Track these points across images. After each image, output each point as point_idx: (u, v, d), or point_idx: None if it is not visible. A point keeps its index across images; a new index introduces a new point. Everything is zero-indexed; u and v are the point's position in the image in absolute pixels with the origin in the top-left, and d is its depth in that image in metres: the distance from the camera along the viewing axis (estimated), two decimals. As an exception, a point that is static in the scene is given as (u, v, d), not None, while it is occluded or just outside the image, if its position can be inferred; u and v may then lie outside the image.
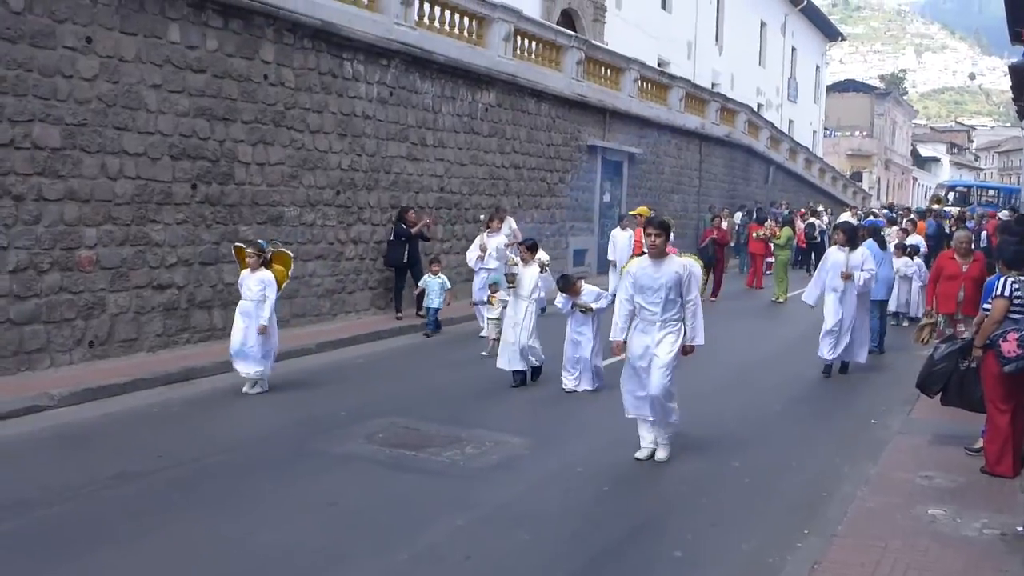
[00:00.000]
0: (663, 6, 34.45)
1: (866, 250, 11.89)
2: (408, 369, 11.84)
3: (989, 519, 6.29)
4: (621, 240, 17.08)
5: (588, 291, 10.45)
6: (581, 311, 10.29)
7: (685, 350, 7.62)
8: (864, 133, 68.09)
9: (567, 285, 10.39)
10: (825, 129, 62.14)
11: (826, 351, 11.57)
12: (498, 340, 11.05)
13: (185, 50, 11.48)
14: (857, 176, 61.80)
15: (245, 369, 9.87)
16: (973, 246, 11.80)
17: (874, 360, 12.74)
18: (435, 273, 13.78)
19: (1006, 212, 27.18)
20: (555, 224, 19.78)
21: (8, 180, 9.63)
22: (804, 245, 25.42)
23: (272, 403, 9.73)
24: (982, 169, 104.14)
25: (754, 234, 21.58)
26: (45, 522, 6.15)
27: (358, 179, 14.45)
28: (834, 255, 11.79)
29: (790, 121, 48.44)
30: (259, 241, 10.35)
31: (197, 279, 11.83)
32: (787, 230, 20.54)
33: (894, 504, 6.62)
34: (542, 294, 10.85)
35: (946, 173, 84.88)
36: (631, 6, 30.71)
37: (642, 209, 14.52)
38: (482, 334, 12.79)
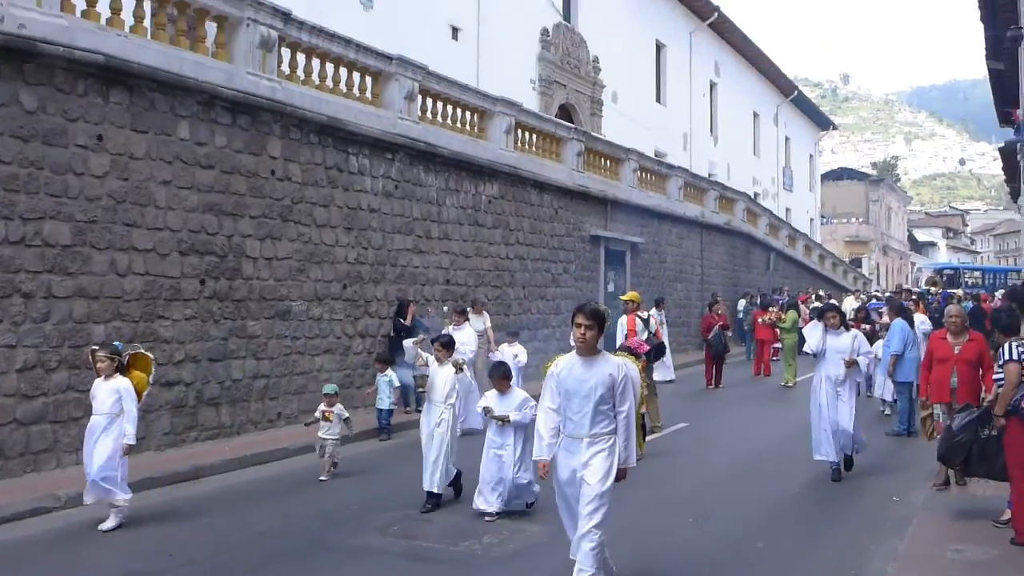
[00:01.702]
0: (658, 99, 35.20)
1: (858, 332, 10.81)
2: (420, 462, 11.63)
3: (1028, 593, 6.09)
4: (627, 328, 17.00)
5: (514, 395, 8.91)
6: (496, 422, 8.71)
7: (618, 476, 6.03)
8: (860, 220, 68.78)
9: (496, 374, 9.06)
10: (822, 217, 62.80)
11: (820, 449, 10.38)
12: (333, 466, 10.24)
13: (194, 146, 11.64)
14: (856, 262, 62.17)
15: (99, 498, 8.26)
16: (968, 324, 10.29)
17: (893, 442, 12.59)
18: (382, 370, 12.68)
19: (1002, 291, 27.19)
20: (560, 315, 19.74)
21: (18, 278, 9.64)
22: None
23: (282, 499, 9.54)
24: (979, 252, 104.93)
25: (760, 319, 21.52)
26: None
27: (364, 272, 14.48)
28: (829, 340, 10.42)
29: (787, 209, 48.96)
30: (114, 343, 8.82)
31: (205, 375, 11.73)
32: (792, 313, 20.53)
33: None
34: (457, 401, 9.15)
35: (943, 257, 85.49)
36: (627, 100, 31.37)
37: (632, 294, 14.43)
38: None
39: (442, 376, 9.04)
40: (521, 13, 25.26)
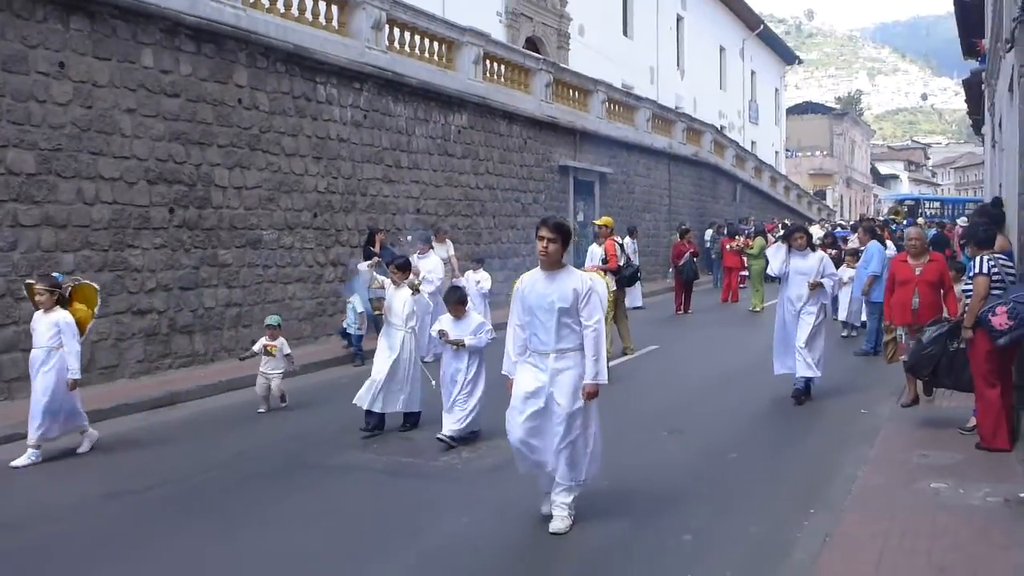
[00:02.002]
0: (625, 33, 34.95)
1: (824, 255, 10.47)
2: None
3: (991, 489, 6.32)
4: (597, 255, 17.12)
5: (470, 320, 8.58)
6: (452, 347, 8.39)
7: (588, 391, 5.80)
8: (824, 153, 69.24)
9: (452, 299, 8.71)
10: (787, 150, 63.09)
11: (780, 366, 10.34)
12: (266, 398, 9.78)
13: (159, 74, 11.45)
14: (820, 194, 62.70)
15: (44, 433, 7.86)
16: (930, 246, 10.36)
17: (860, 361, 12.86)
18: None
19: (963, 219, 27.59)
20: (530, 244, 19.73)
21: (-16, 206, 9.50)
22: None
23: (261, 422, 9.60)
24: (940, 184, 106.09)
25: (728, 246, 21.76)
26: (42, 540, 6.01)
27: (335, 201, 14.41)
28: (794, 261, 10.16)
29: (752, 142, 49.11)
30: (53, 274, 8.32)
31: (177, 304, 11.70)
32: (760, 240, 20.73)
33: (896, 481, 6.64)
34: (414, 322, 8.88)
35: (906, 189, 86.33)
36: (593, 33, 31.11)
37: (606, 219, 14.44)
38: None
39: (399, 299, 8.76)
40: (486, -57, 24.85)
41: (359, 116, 14.94)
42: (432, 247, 13.81)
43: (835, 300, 14.78)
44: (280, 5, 13.74)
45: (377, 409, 8.62)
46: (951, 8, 24.74)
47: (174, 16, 11.53)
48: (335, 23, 14.79)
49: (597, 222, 14.42)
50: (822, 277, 10.02)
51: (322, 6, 14.62)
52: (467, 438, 8.28)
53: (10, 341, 9.76)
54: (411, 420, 8.89)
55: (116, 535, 6.10)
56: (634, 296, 19.06)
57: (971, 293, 7.49)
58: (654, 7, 36.98)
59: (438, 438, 8.14)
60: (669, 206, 28.82)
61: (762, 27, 50.13)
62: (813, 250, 10.38)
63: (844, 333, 15.14)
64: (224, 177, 12.39)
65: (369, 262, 9.32)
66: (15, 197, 9.81)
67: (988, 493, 6.23)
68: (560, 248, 5.76)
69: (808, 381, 10.07)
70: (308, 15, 14.28)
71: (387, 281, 8.86)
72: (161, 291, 11.51)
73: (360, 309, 12.16)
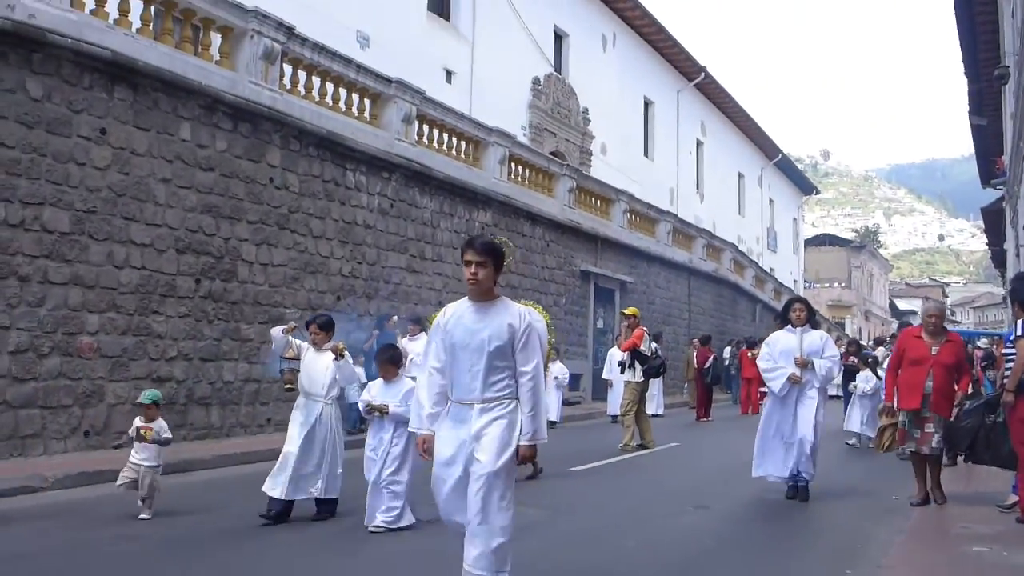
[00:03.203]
0: (646, 154, 35.70)
1: (826, 334, 9.21)
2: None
3: (1038, 553, 6.05)
4: (616, 358, 17.06)
5: (401, 384, 7.24)
6: (377, 414, 7.12)
7: (523, 454, 4.69)
8: (842, 284, 69.37)
9: (383, 358, 7.39)
10: (805, 281, 63.31)
11: (760, 464, 8.93)
12: (133, 485, 7.45)
13: (195, 148, 11.72)
14: (840, 325, 62.51)
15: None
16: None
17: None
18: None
19: (984, 340, 27.29)
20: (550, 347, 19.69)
21: (15, 260, 9.60)
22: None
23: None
24: (958, 322, 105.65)
25: (749, 353, 21.59)
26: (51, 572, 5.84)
27: (358, 286, 14.49)
28: (784, 338, 8.94)
29: (771, 269, 49.36)
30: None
31: (197, 374, 11.63)
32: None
33: (936, 546, 6.42)
34: (337, 391, 7.61)
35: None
36: (615, 152, 31.79)
37: (633, 309, 14.40)
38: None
39: (321, 364, 7.42)
40: (513, 61, 25.70)
41: (386, 204, 15.17)
42: (423, 329, 12.95)
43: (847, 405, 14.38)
44: (315, 93, 14.17)
45: (279, 496, 7.18)
46: (965, 151, 25.37)
47: (214, 93, 11.89)
48: (367, 114, 15.21)
49: (625, 311, 14.34)
50: (821, 356, 8.71)
51: (355, 97, 15.06)
52: (403, 529, 6.96)
53: (29, 397, 9.69)
54: (327, 508, 7.47)
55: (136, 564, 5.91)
56: (656, 404, 18.91)
57: (1013, 357, 7.27)
58: (674, 131, 37.86)
59: (369, 531, 6.91)
60: (689, 321, 28.78)
61: (780, 156, 51.07)
62: (815, 327, 9.08)
63: (851, 442, 14.02)
64: (251, 253, 12.51)
65: (285, 326, 7.69)
66: (47, 254, 9.91)
67: (1034, 555, 5.96)
68: (492, 273, 4.79)
69: (804, 486, 8.76)
70: (342, 104, 14.70)
71: (305, 345, 7.55)
72: (182, 360, 11.46)
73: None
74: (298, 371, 7.53)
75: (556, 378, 16.64)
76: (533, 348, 4.71)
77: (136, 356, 10.86)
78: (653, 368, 13.41)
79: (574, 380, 21.44)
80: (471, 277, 4.75)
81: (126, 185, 10.81)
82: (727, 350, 27.76)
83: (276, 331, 7.65)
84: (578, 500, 8.82)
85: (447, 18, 23.54)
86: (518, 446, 4.65)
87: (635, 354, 13.16)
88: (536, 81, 27.25)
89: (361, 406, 7.39)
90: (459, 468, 4.66)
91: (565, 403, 20.12)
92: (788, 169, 55.09)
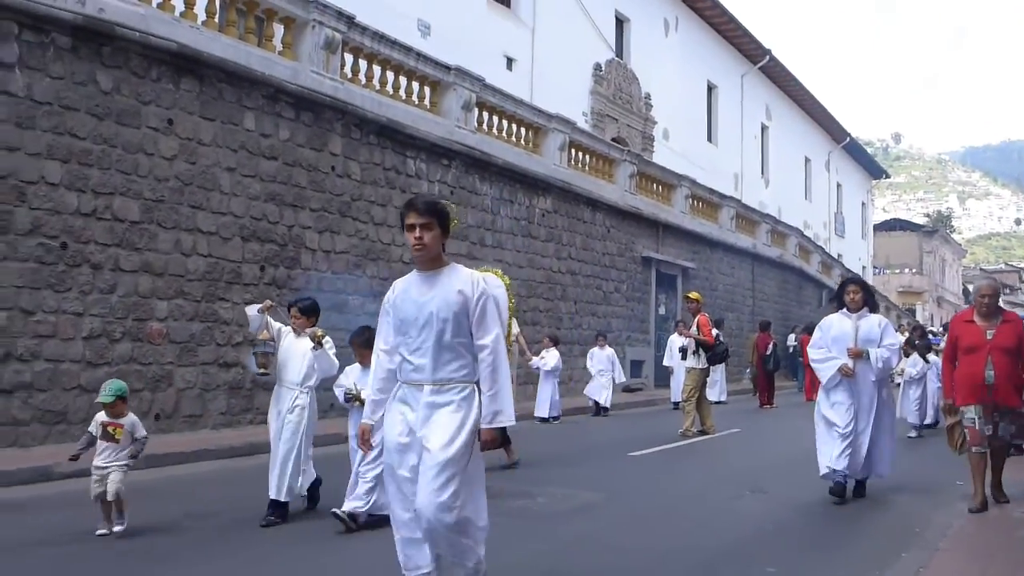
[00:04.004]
0: (709, 139, 35.33)
1: (884, 319, 8.35)
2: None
3: (1105, 539, 5.90)
4: (677, 344, 16.98)
5: None
6: (356, 403, 6.53)
7: (484, 438, 4.23)
8: (913, 270, 67.82)
9: (359, 340, 6.81)
10: (874, 267, 62.06)
11: (833, 457, 7.82)
12: (106, 511, 6.27)
13: (259, 137, 11.96)
14: (911, 311, 61.16)
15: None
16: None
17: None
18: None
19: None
20: (612, 333, 19.69)
21: (88, 249, 9.92)
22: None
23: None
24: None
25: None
26: (120, 547, 6.06)
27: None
28: (839, 323, 8.13)
29: (839, 255, 48.45)
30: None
31: (262, 359, 11.87)
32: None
33: (995, 529, 6.28)
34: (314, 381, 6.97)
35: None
36: (678, 138, 31.51)
37: (696, 294, 14.27)
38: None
39: (298, 351, 6.90)
40: (574, 47, 25.62)
41: (446, 191, 15.29)
42: None
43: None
44: (376, 82, 14.33)
45: (274, 496, 6.70)
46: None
47: (277, 83, 12.11)
48: (427, 102, 15.33)
49: (689, 295, 14.22)
50: (879, 345, 7.93)
51: (415, 85, 15.19)
52: (372, 523, 6.38)
53: (102, 381, 9.97)
54: (314, 497, 7.13)
55: (206, 543, 6.11)
56: (719, 391, 18.79)
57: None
58: (739, 116, 37.38)
59: (333, 512, 6.44)
60: (752, 307, 28.45)
61: (848, 139, 50.08)
62: (872, 310, 8.21)
63: (911, 434, 13.19)
64: (314, 240, 12.73)
65: (261, 304, 6.95)
66: (118, 242, 10.22)
67: (1100, 542, 5.82)
68: (439, 236, 4.25)
69: (863, 480, 8.14)
70: (402, 93, 14.84)
71: (284, 329, 7.00)
72: (248, 345, 11.69)
73: None
74: (273, 354, 6.86)
75: (552, 368, 14.66)
76: (490, 318, 4.22)
77: (204, 342, 11.14)
78: (717, 354, 13.35)
79: (636, 367, 21.39)
80: (416, 242, 4.20)
81: (193, 174, 11.08)
82: (791, 336, 27.39)
83: (251, 309, 6.91)
84: (634, 484, 8.84)
85: (507, 5, 23.57)
86: (479, 430, 4.18)
87: (697, 341, 13.11)
88: (597, 67, 27.13)
89: (338, 392, 6.84)
90: (413, 456, 4.18)
91: (627, 389, 20.13)
92: (857, 153, 54.01)
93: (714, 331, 13.83)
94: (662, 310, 22.68)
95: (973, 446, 7.18)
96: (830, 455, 7.82)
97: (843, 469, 7.75)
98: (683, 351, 14.02)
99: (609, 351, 16.67)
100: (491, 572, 5.35)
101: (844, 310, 8.19)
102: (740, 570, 5.62)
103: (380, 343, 4.40)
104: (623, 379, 17.79)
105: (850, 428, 7.79)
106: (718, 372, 18.67)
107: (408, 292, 4.27)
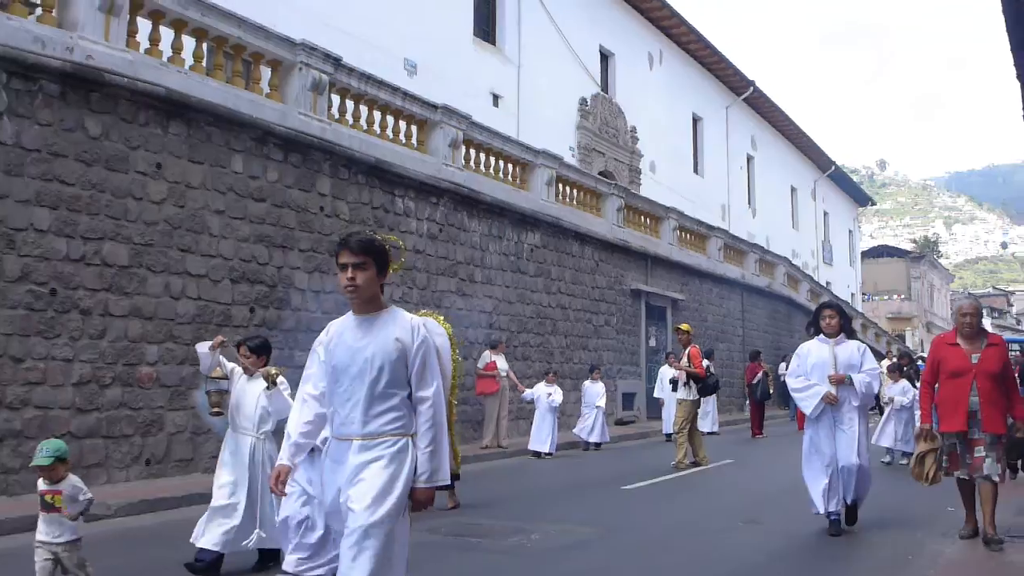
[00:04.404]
0: (695, 171, 35.59)
1: (862, 344, 8.19)
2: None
3: (1096, 564, 5.93)
4: (668, 376, 17.01)
5: None
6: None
7: (416, 497, 3.86)
8: (902, 297, 68.12)
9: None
10: (863, 294, 62.33)
11: (825, 498, 7.73)
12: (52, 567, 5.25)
13: (248, 179, 12.02)
14: (900, 337, 61.35)
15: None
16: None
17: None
18: None
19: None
20: (603, 367, 19.69)
21: (77, 294, 9.93)
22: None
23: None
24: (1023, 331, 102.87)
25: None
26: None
27: (409, 311, 14.62)
28: (816, 350, 7.96)
29: (827, 283, 48.68)
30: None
31: (253, 401, 11.86)
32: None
33: (985, 554, 6.30)
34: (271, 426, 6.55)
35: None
36: (664, 170, 31.75)
37: (686, 325, 14.36)
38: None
39: (251, 394, 6.56)
40: (560, 83, 25.87)
41: (435, 229, 15.37)
42: None
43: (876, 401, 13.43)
44: (363, 122, 14.45)
45: (206, 545, 6.25)
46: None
47: (265, 126, 12.20)
48: (414, 141, 15.45)
49: (680, 327, 14.28)
50: (859, 371, 7.76)
51: (402, 124, 15.32)
52: None
53: (92, 427, 9.99)
54: (270, 558, 6.53)
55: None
56: (710, 422, 18.78)
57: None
58: (724, 147, 37.71)
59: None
60: (743, 337, 28.53)
61: (834, 168, 50.52)
62: (849, 336, 8.07)
63: (886, 459, 13.33)
64: (304, 280, 12.77)
65: (211, 341, 6.70)
66: (107, 287, 10.24)
67: (1092, 567, 5.84)
68: (375, 277, 3.96)
69: (853, 507, 8.00)
70: (389, 132, 14.96)
71: (238, 369, 6.73)
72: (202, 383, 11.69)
73: None
74: (227, 393, 6.59)
75: (548, 396, 14.95)
76: (430, 369, 3.93)
77: (194, 385, 11.09)
78: (708, 386, 13.40)
79: (628, 399, 21.40)
80: (348, 283, 3.89)
81: (182, 218, 11.13)
82: (783, 365, 27.47)
83: (202, 347, 6.62)
84: (628, 517, 8.86)
85: (492, 42, 23.83)
86: (413, 489, 3.83)
87: (688, 373, 13.17)
88: (583, 101, 27.39)
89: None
90: (334, 519, 3.97)
91: (619, 423, 20.12)
92: (842, 181, 54.47)
93: (705, 362, 13.89)
94: (652, 342, 22.73)
95: (954, 471, 7.00)
96: (820, 495, 7.71)
97: (836, 510, 7.65)
98: (673, 383, 14.06)
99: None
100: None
101: (821, 336, 7.99)
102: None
103: (308, 387, 4.04)
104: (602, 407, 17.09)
105: (833, 458, 7.65)
106: (710, 403, 18.67)
107: (343, 337, 3.96)
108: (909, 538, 7.54)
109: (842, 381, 7.66)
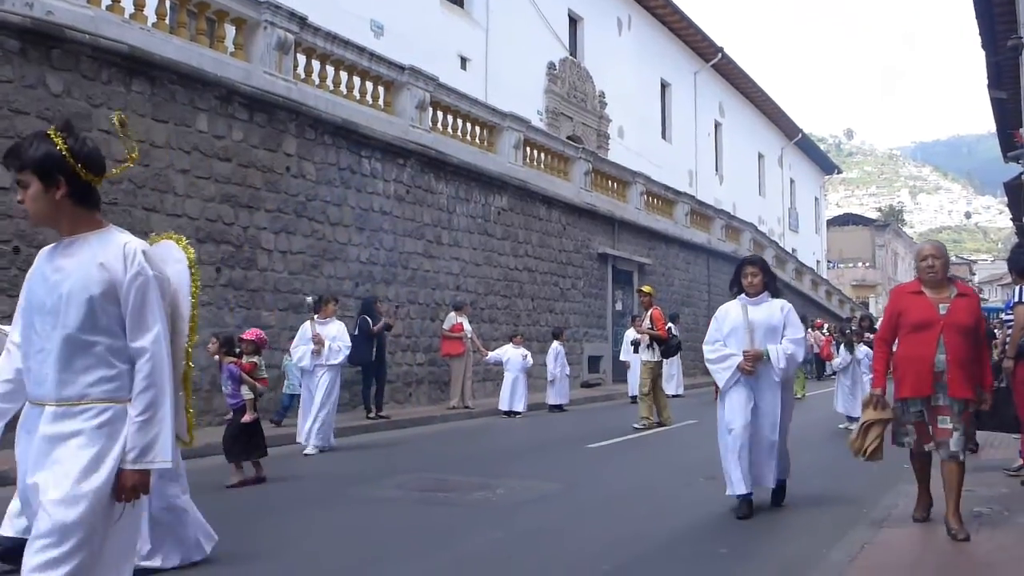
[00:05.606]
0: (663, 136, 35.68)
1: (787, 304, 7.12)
2: (423, 446, 11.76)
3: (1040, 512, 6.14)
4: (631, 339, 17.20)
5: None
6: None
7: (124, 483, 2.88)
8: (867, 264, 69.00)
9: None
10: (828, 262, 63.03)
11: (737, 480, 6.77)
12: None
13: (212, 139, 11.95)
14: (864, 305, 62.20)
15: None
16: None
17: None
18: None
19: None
20: (570, 329, 19.88)
21: (40, 252, 9.85)
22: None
23: (307, 464, 9.65)
24: (987, 300, 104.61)
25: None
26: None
27: (376, 272, 14.69)
28: (735, 312, 6.94)
29: (793, 250, 49.14)
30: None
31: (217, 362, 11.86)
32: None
33: (940, 504, 6.47)
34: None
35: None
36: (632, 136, 31.81)
37: (649, 287, 14.54)
38: None
39: None
40: (528, 46, 25.77)
41: (402, 191, 15.36)
42: (335, 310, 11.45)
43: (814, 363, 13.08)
44: (329, 82, 14.37)
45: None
46: (991, 127, 25.02)
47: (230, 84, 12.11)
48: (381, 102, 15.40)
49: (642, 289, 14.44)
50: (782, 337, 6.76)
51: (369, 85, 15.25)
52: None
53: (56, 385, 9.96)
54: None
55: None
56: (676, 384, 19.03)
57: (1012, 323, 7.39)
58: (692, 113, 37.79)
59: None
60: (708, 302, 28.79)
61: (801, 135, 50.82)
62: (774, 295, 7.08)
63: (842, 425, 12.50)
64: (270, 241, 12.75)
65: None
66: (70, 246, 10.16)
67: (1035, 515, 6.04)
68: (43, 192, 3.00)
69: (780, 487, 7.15)
70: (356, 93, 14.90)
71: None
72: (203, 348, 11.69)
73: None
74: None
75: (524, 358, 15.20)
76: (150, 309, 2.99)
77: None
78: (670, 347, 13.60)
79: (594, 362, 21.61)
80: (21, 202, 3.06)
81: (146, 177, 11.06)
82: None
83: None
84: (592, 474, 9.03)
85: (460, 4, 23.67)
86: (119, 472, 2.89)
87: (651, 335, 13.35)
88: (551, 66, 27.31)
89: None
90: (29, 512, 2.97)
91: (585, 385, 20.33)
92: (809, 149, 54.82)
93: (668, 325, 14.08)
94: (619, 306, 22.92)
95: (925, 445, 5.78)
96: (733, 477, 6.78)
97: (746, 492, 6.72)
98: (635, 344, 14.27)
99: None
100: (451, 561, 5.52)
101: (743, 296, 6.99)
102: (694, 552, 5.80)
103: (14, 335, 3.12)
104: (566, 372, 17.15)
105: (747, 434, 6.72)
106: (675, 366, 18.94)
107: (40, 267, 3.05)
108: (866, 494, 7.75)
109: (760, 358, 6.67)
